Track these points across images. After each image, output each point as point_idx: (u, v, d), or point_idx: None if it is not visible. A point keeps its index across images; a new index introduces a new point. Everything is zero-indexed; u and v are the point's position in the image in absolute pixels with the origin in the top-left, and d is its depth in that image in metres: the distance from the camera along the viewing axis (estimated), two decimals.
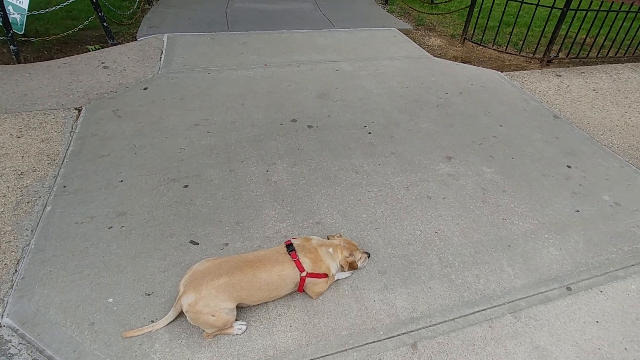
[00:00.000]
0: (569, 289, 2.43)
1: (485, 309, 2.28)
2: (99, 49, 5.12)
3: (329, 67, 5.06)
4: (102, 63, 4.71)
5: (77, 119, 3.69)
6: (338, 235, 2.41)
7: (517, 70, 5.51)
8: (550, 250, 2.68)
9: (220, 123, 3.77)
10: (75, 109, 3.83)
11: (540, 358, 2.06)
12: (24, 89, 4.09)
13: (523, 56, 5.96)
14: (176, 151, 3.36)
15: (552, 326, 2.21)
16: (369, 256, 2.42)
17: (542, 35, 5.79)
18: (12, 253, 2.43)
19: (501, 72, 5.32)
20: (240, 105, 4.08)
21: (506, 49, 6.07)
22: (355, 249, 2.32)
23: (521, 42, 6.18)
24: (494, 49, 6.16)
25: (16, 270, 2.33)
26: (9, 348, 1.97)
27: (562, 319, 2.26)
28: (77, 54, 4.93)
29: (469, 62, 5.72)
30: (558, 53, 5.92)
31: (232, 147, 3.46)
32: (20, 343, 2.00)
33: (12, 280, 2.28)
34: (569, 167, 3.53)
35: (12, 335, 2.03)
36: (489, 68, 5.47)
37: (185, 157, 3.29)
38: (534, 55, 5.88)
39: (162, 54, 5.03)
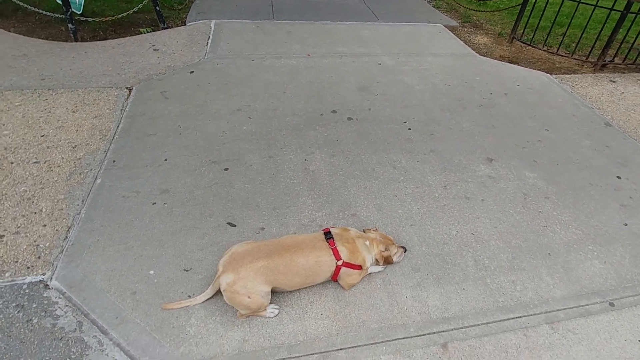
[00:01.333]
0: (611, 304, 2.33)
1: (520, 317, 2.22)
2: (151, 32, 5.30)
3: (372, 61, 5.01)
4: (153, 45, 4.88)
5: (127, 98, 3.85)
6: (374, 229, 2.40)
7: (567, 74, 5.26)
8: (594, 263, 2.57)
9: (261, 110, 3.83)
10: (127, 88, 4.00)
11: None
12: (80, 66, 4.30)
13: (575, 59, 5.67)
14: (218, 134, 3.44)
15: (592, 341, 2.13)
16: (405, 250, 2.41)
17: (597, 38, 5.48)
18: (64, 220, 2.58)
19: (550, 74, 5.10)
20: (282, 94, 4.12)
21: (557, 50, 5.79)
22: (391, 243, 2.32)
23: (574, 44, 5.87)
24: (543, 50, 5.89)
25: (66, 237, 2.48)
26: (56, 310, 2.10)
27: (603, 334, 2.17)
28: (130, 36, 5.13)
29: (516, 63, 5.51)
30: (614, 58, 5.60)
31: (272, 134, 3.51)
32: (66, 305, 2.12)
33: (62, 245, 2.42)
34: (619, 177, 3.35)
35: (59, 298, 2.15)
36: (538, 69, 5.25)
37: (227, 141, 3.37)
38: (587, 58, 5.58)
39: (209, 39, 5.14)
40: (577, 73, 5.33)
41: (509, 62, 5.45)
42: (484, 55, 5.55)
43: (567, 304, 2.31)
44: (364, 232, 2.37)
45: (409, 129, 3.76)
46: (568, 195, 3.11)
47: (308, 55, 5.00)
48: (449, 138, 3.67)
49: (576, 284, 2.43)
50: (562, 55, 5.75)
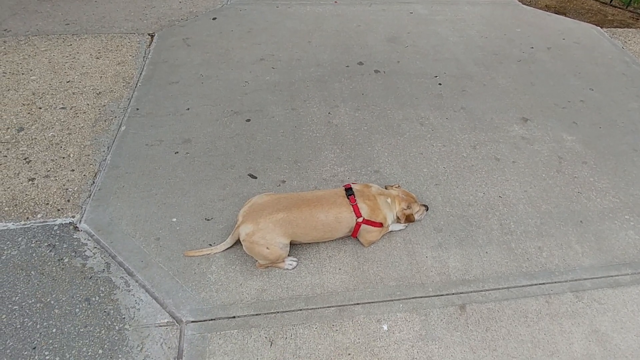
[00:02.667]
0: None
1: (544, 283, 2.16)
2: None
3: (403, 9, 4.68)
4: None
5: (149, 45, 3.77)
6: (396, 186, 2.34)
7: (620, 27, 4.78)
8: (629, 233, 2.44)
9: (285, 59, 3.69)
10: (149, 34, 3.91)
11: (598, 342, 1.95)
12: (102, 11, 4.21)
13: (630, 11, 5.13)
14: (241, 84, 3.36)
15: (618, 312, 2.06)
16: (427, 209, 2.34)
17: None
18: (91, 166, 2.63)
19: (601, 27, 4.65)
20: (307, 43, 3.94)
21: (611, 1, 5.25)
22: (414, 201, 2.26)
23: None
24: (596, 0, 5.34)
25: (94, 182, 2.53)
26: (85, 250, 2.19)
27: (630, 306, 2.09)
28: None
29: (564, 14, 5.03)
30: None
31: (295, 85, 3.40)
32: (95, 247, 2.21)
33: (90, 190, 2.48)
34: None
35: (88, 240, 2.24)
36: (587, 22, 4.79)
37: (249, 91, 3.29)
38: None
39: None
40: (631, 27, 4.83)
41: (555, 13, 4.99)
42: (527, 5, 5.09)
43: (595, 273, 2.23)
44: (386, 188, 2.31)
45: (440, 84, 3.55)
46: (608, 161, 2.91)
47: (335, 2, 4.71)
48: (481, 95, 3.46)
49: (607, 253, 2.33)
50: (616, 7, 5.21)
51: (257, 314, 1.97)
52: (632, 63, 4.04)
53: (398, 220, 2.24)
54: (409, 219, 2.22)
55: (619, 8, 5.19)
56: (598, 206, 2.59)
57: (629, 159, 2.94)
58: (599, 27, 4.65)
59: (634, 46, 4.36)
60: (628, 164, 2.90)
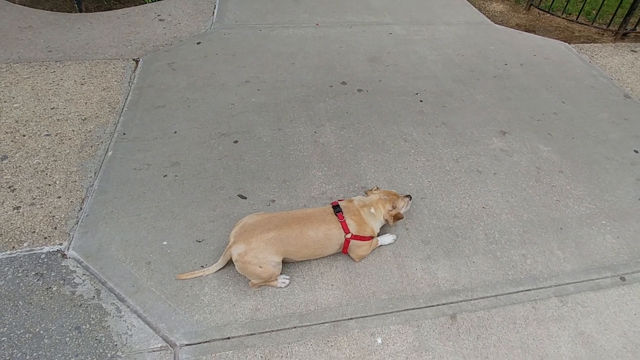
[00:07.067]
0: (622, 278, 2.33)
1: (529, 290, 2.24)
2: (156, 1, 5.17)
3: (382, 30, 4.86)
4: (158, 15, 4.77)
5: (135, 70, 3.80)
6: (375, 188, 2.40)
7: (587, 43, 5.05)
8: (607, 238, 2.55)
9: (270, 81, 3.77)
10: (134, 59, 3.95)
11: (584, 344, 2.01)
12: (86, 37, 4.24)
13: (595, 27, 5.43)
14: (227, 107, 3.41)
15: (601, 314, 2.14)
16: (410, 199, 2.40)
17: (619, 5, 5.22)
18: (78, 192, 2.62)
19: (569, 43, 4.91)
20: (291, 65, 4.04)
21: (577, 18, 5.54)
22: (396, 197, 2.31)
23: (595, 12, 5.62)
24: (563, 18, 5.64)
25: (81, 208, 2.52)
26: (74, 278, 2.16)
27: (612, 308, 2.18)
28: (135, 6, 5.01)
29: (533, 31, 5.30)
30: (635, 26, 5.34)
31: (281, 106, 3.47)
32: (84, 274, 2.18)
33: (78, 216, 2.47)
34: (636, 151, 3.28)
35: (77, 267, 2.21)
36: (556, 39, 5.06)
37: (236, 113, 3.35)
38: (608, 27, 5.34)
39: (215, 8, 5.01)
40: (596, 42, 5.12)
41: (526, 31, 5.25)
42: (499, 24, 5.34)
43: (577, 277, 2.32)
44: (366, 194, 2.36)
45: (421, 100, 3.68)
46: (583, 170, 3.05)
47: (317, 24, 4.86)
48: (461, 110, 3.60)
49: (587, 258, 2.43)
50: (581, 24, 5.51)
51: (251, 334, 1.97)
52: (599, 76, 4.27)
53: (387, 222, 2.29)
54: (397, 217, 2.27)
55: (585, 25, 5.49)
56: (576, 213, 2.70)
57: (601, 167, 3.09)
58: (566, 43, 4.91)
59: (600, 60, 4.61)
60: (601, 172, 3.04)
